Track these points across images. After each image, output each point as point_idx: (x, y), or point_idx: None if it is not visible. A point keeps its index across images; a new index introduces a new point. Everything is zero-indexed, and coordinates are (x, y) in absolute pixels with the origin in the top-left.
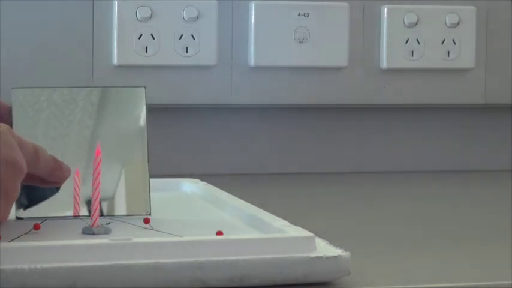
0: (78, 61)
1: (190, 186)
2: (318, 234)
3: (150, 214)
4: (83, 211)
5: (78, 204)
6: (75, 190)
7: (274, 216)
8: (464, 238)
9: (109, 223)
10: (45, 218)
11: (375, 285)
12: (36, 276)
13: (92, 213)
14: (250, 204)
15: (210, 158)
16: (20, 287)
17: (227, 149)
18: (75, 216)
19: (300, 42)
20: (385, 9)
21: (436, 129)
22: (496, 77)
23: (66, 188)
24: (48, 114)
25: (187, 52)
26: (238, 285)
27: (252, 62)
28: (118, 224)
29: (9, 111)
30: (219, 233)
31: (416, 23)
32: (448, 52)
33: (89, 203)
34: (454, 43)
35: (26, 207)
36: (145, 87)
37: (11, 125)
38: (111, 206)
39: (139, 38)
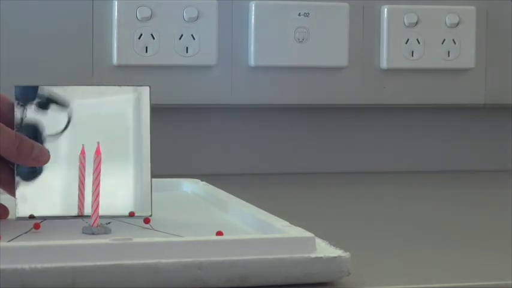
0: (78, 61)
1: (190, 186)
2: (318, 234)
3: (151, 215)
4: (87, 211)
5: (82, 204)
6: (80, 190)
7: (275, 217)
8: (464, 238)
9: (109, 223)
10: (46, 218)
11: (375, 285)
12: (37, 276)
13: (92, 213)
14: (250, 205)
15: (210, 158)
16: (20, 287)
17: (227, 149)
18: (79, 216)
19: (300, 42)
20: (385, 9)
21: (436, 129)
22: (496, 77)
23: (69, 187)
24: (50, 112)
25: (187, 52)
26: (238, 285)
27: (252, 62)
28: (118, 224)
29: (11, 107)
30: (219, 233)
31: (416, 23)
32: (448, 52)
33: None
34: (454, 43)
35: (26, 208)
36: (149, 87)
37: (12, 121)
38: (113, 207)
39: (139, 38)
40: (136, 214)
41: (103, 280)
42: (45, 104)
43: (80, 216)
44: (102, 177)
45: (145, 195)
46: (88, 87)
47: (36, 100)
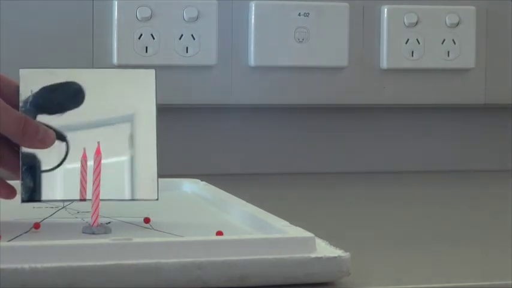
0: (78, 61)
1: (191, 186)
2: (318, 234)
3: (157, 199)
4: (90, 194)
5: (84, 188)
6: (82, 174)
7: (275, 217)
8: (464, 238)
9: (109, 223)
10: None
11: (375, 285)
12: (37, 276)
13: (92, 212)
14: (250, 204)
15: (210, 158)
16: (20, 287)
17: (227, 149)
18: (81, 200)
19: (300, 42)
20: (385, 9)
21: (436, 129)
22: (496, 77)
23: (72, 172)
24: (56, 95)
25: (187, 52)
26: (238, 285)
27: (252, 62)
28: (118, 224)
29: (14, 89)
30: (219, 233)
31: (416, 23)
32: (448, 52)
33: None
34: (454, 43)
35: (31, 191)
36: (155, 70)
37: (16, 103)
38: (119, 190)
39: (139, 38)
40: (142, 198)
41: (103, 280)
42: None
43: (86, 200)
44: (107, 160)
45: (151, 179)
46: (91, 69)
47: None
